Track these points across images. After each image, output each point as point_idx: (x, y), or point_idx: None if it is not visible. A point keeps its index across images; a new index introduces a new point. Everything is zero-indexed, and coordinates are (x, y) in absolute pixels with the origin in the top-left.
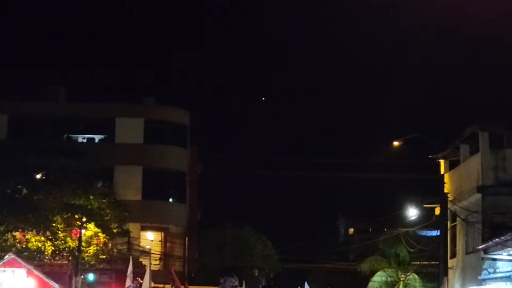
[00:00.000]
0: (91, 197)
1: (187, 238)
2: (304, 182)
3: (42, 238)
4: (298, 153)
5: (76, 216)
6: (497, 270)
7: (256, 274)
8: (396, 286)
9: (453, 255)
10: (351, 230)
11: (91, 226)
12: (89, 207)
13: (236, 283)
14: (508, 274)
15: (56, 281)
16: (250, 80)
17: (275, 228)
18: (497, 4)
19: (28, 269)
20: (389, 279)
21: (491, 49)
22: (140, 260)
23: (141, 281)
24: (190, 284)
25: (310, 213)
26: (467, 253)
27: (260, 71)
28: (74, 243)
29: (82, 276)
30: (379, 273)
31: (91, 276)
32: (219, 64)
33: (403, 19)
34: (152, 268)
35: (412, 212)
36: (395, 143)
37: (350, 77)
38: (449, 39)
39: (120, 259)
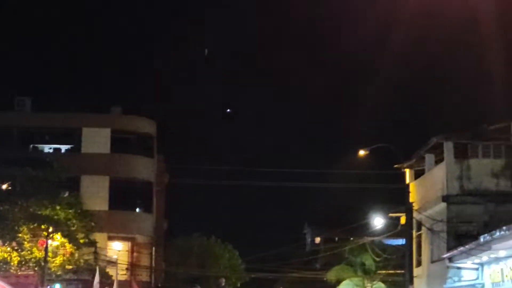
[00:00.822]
0: (58, 207)
1: (154, 248)
2: (271, 192)
3: (8, 249)
4: (264, 162)
5: (43, 227)
6: (462, 279)
7: (223, 284)
8: None
9: (419, 263)
10: (318, 239)
11: (58, 236)
12: (55, 217)
13: None
14: (472, 282)
15: None
16: (217, 91)
17: (242, 238)
18: (464, 8)
19: None
20: None
21: (457, 60)
22: (107, 270)
23: None
24: None
25: (276, 222)
26: (432, 261)
27: (227, 82)
28: (40, 254)
29: (49, 287)
30: (345, 281)
31: (57, 287)
32: (186, 74)
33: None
34: (119, 278)
35: (378, 221)
36: (361, 153)
37: (316, 87)
38: (417, 46)
39: (87, 269)
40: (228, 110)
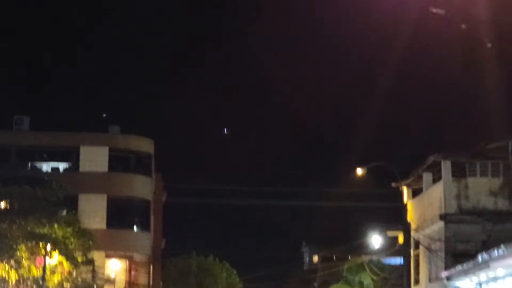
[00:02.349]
0: (56, 226)
1: (151, 267)
2: (269, 210)
3: (6, 267)
4: (262, 181)
5: (41, 245)
6: None
7: None
8: None
9: (417, 282)
10: (316, 258)
11: (56, 254)
12: (53, 235)
13: None
14: None
15: None
16: (214, 109)
17: (239, 257)
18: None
19: None
20: None
21: (454, 80)
22: None
23: None
24: None
25: (274, 241)
26: (430, 281)
27: (223, 100)
28: (38, 272)
29: None
30: None
31: None
32: (184, 94)
33: (367, 47)
34: None
35: (376, 240)
36: (359, 172)
37: (314, 106)
38: (414, 67)
39: (84, 287)
40: (225, 131)
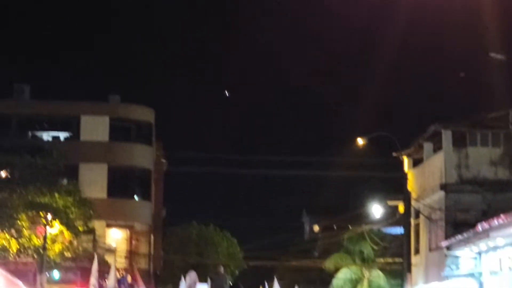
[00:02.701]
0: (56, 195)
1: (152, 236)
2: (269, 180)
3: (7, 236)
4: (263, 150)
5: (41, 214)
6: (460, 267)
7: (222, 272)
8: (360, 283)
9: (417, 252)
10: (316, 228)
11: (56, 224)
12: (54, 205)
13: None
14: (470, 271)
15: (20, 279)
16: (216, 74)
17: (240, 226)
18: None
19: None
20: (353, 276)
21: (458, 48)
22: (106, 258)
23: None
24: (155, 281)
25: (275, 210)
26: (430, 250)
27: (226, 67)
28: (39, 241)
29: (47, 274)
30: (343, 270)
31: (56, 274)
32: (184, 62)
33: (369, 16)
34: (117, 266)
35: (376, 210)
36: (360, 141)
37: (315, 74)
38: (416, 36)
39: (85, 257)
40: (226, 93)
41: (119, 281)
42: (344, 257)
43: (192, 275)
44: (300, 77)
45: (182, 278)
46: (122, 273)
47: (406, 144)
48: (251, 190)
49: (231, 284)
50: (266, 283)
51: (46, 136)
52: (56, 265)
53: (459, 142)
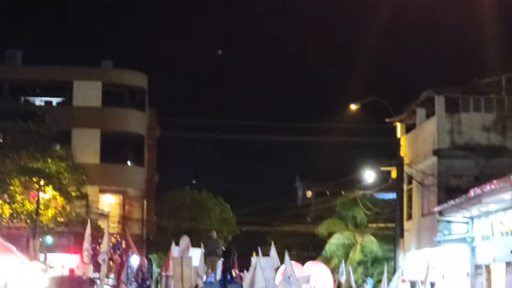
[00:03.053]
0: (49, 160)
1: (145, 201)
2: (263, 145)
3: (0, 201)
4: (256, 115)
5: (34, 179)
6: (452, 232)
7: (215, 237)
8: (353, 248)
9: (409, 217)
10: (309, 193)
11: (49, 189)
12: (47, 170)
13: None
14: (463, 236)
15: (13, 243)
16: (208, 43)
17: (233, 191)
18: None
19: None
20: (346, 241)
21: (450, 14)
22: (99, 223)
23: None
24: (148, 246)
25: (268, 176)
26: (423, 215)
27: (219, 33)
28: (32, 206)
29: (40, 239)
30: (336, 235)
31: (49, 239)
32: (177, 28)
33: None
34: (110, 231)
35: (369, 175)
36: (353, 107)
37: (308, 41)
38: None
39: (78, 222)
40: (219, 51)
41: (114, 246)
42: (336, 222)
43: (184, 240)
44: (295, 43)
45: (173, 244)
46: (117, 239)
47: (399, 110)
48: (244, 156)
49: (224, 249)
50: (259, 249)
51: (39, 101)
52: (49, 230)
53: (452, 108)
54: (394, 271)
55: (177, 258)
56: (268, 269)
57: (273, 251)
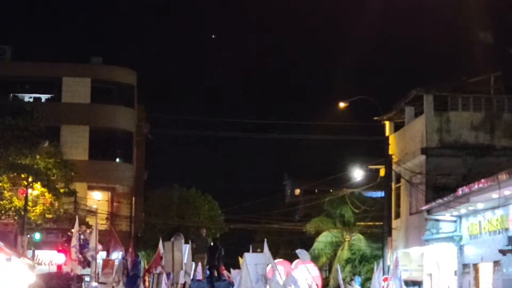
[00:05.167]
0: (38, 157)
1: (133, 198)
2: (251, 143)
3: None
4: (244, 113)
5: (23, 176)
6: (440, 231)
7: (204, 235)
8: (341, 246)
9: (397, 215)
10: (297, 191)
11: (38, 185)
12: (35, 166)
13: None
14: (450, 234)
15: (1, 240)
16: (197, 40)
17: (222, 189)
18: None
19: None
20: (334, 239)
21: (439, 12)
22: (87, 220)
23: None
24: (136, 244)
25: (256, 173)
26: (410, 214)
27: (208, 28)
28: (20, 203)
29: (29, 236)
30: (324, 233)
31: (37, 236)
32: (166, 25)
33: None
34: (98, 228)
35: (358, 173)
36: (341, 105)
37: (298, 37)
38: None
39: (66, 218)
40: (213, 36)
41: (81, 246)
42: (325, 220)
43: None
44: (282, 40)
45: (161, 241)
46: (85, 237)
47: (388, 108)
48: (233, 153)
49: (211, 244)
50: (250, 247)
51: (27, 97)
52: (38, 227)
53: (441, 107)
54: (383, 270)
55: (169, 243)
56: (260, 265)
57: (265, 248)
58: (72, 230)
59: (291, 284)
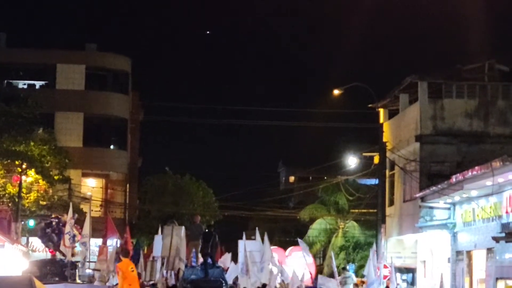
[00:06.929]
0: (32, 144)
1: (128, 185)
2: (246, 130)
3: None
4: (239, 100)
5: (17, 163)
6: (434, 218)
7: (199, 222)
8: (335, 234)
9: (391, 203)
10: (292, 178)
11: (32, 172)
12: (29, 153)
13: None
14: (444, 222)
15: None
16: (192, 26)
17: (216, 176)
18: None
19: None
20: (328, 227)
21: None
22: (81, 206)
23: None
24: (131, 230)
25: (251, 161)
26: (404, 201)
27: (203, 17)
28: (14, 190)
29: (23, 222)
30: (318, 220)
31: (31, 222)
32: (161, 11)
33: None
34: (92, 215)
35: (352, 161)
36: (335, 92)
37: (293, 25)
38: None
39: (60, 205)
40: (208, 32)
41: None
42: (319, 207)
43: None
44: (277, 26)
45: (160, 230)
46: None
47: (382, 95)
48: (227, 140)
49: (206, 231)
50: (244, 234)
51: (22, 84)
52: (32, 214)
53: (435, 94)
54: (377, 257)
55: (169, 227)
56: (255, 252)
57: (257, 236)
58: (60, 217)
59: (284, 272)
